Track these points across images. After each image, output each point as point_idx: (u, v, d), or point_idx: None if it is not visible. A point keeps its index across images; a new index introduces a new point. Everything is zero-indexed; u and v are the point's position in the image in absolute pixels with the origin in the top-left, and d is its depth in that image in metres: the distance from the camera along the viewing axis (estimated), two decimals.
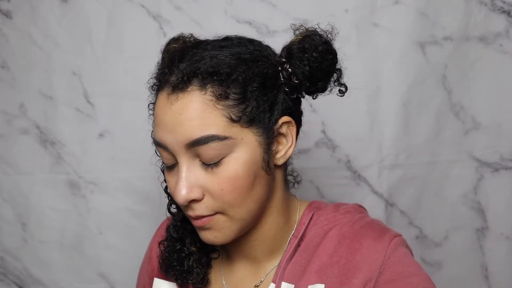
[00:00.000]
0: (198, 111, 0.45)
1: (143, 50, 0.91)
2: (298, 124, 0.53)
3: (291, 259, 0.52)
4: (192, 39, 0.53)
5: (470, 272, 0.89)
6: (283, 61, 0.49)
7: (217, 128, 0.45)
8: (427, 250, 0.90)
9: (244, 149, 0.47)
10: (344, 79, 0.88)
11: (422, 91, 0.88)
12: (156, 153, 0.52)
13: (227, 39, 0.51)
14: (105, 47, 0.90)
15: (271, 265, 0.54)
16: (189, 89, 0.46)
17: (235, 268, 0.56)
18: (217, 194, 0.47)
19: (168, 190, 0.53)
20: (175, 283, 0.57)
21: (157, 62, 0.54)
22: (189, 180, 0.46)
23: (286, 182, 0.55)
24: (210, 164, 0.46)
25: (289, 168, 0.57)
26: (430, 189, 0.89)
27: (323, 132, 0.89)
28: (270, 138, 0.48)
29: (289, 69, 0.48)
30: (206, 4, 0.89)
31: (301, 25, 0.50)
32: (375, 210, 0.88)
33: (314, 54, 0.48)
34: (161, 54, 0.54)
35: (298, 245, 0.52)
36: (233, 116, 0.46)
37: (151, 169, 0.91)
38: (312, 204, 0.56)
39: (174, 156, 0.47)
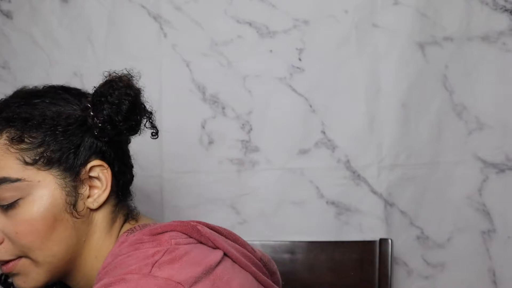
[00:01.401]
0: None
1: (143, 51, 0.89)
2: (119, 168, 0.51)
3: None
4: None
5: (477, 276, 0.87)
6: (88, 106, 0.49)
7: (9, 171, 0.46)
8: (429, 251, 0.87)
9: (42, 191, 0.46)
10: (344, 79, 0.88)
11: (422, 92, 0.86)
12: None
13: (46, 87, 0.52)
14: (106, 48, 0.89)
15: None
16: None
17: None
18: (13, 237, 0.46)
19: None
20: None
21: None
22: None
23: (114, 222, 0.51)
24: (7, 207, 0.46)
25: (131, 203, 0.54)
26: (432, 189, 0.87)
27: (323, 132, 0.88)
28: (76, 181, 0.48)
29: (91, 113, 0.48)
30: (206, 4, 0.88)
31: (114, 72, 0.50)
32: (374, 210, 0.87)
33: (109, 98, 0.48)
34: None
35: None
36: (27, 159, 0.46)
37: (152, 169, 0.90)
38: (120, 238, 0.50)
39: None
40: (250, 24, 0.88)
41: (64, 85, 0.52)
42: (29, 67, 0.90)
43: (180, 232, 0.48)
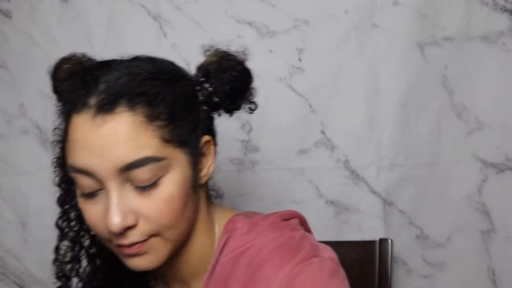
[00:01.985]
0: (130, 133, 0.42)
1: (143, 50, 0.87)
2: (215, 143, 0.52)
3: None
4: (85, 58, 0.50)
5: (476, 275, 0.86)
6: (202, 80, 0.49)
7: (152, 150, 0.43)
8: (428, 250, 0.87)
9: (177, 169, 0.45)
10: (344, 79, 0.87)
11: (422, 92, 0.86)
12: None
13: (137, 59, 0.48)
14: (105, 48, 0.88)
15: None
16: (117, 110, 0.42)
17: None
18: (154, 217, 0.44)
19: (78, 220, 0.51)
20: None
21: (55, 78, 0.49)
22: (122, 206, 0.43)
23: (208, 200, 0.52)
24: (145, 187, 0.43)
25: (210, 182, 0.54)
26: (431, 189, 0.87)
27: (322, 132, 0.87)
28: (196, 157, 0.47)
29: (209, 88, 0.48)
30: (206, 4, 0.88)
31: (211, 46, 0.51)
32: (374, 209, 0.86)
33: (233, 73, 0.48)
34: (50, 75, 0.50)
35: (212, 273, 0.48)
36: (166, 137, 0.44)
37: None
38: (228, 225, 0.51)
39: (98, 183, 0.43)
40: (250, 24, 0.87)
41: (164, 58, 0.50)
42: (27, 66, 0.89)
43: (297, 218, 0.52)
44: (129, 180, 0.43)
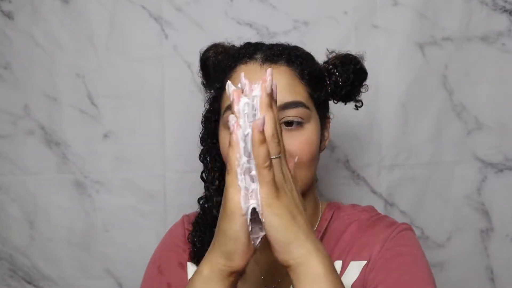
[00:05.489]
0: (289, 81, 0.51)
1: (145, 52, 0.84)
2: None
3: None
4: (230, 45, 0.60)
5: (475, 274, 0.83)
6: (331, 68, 0.56)
7: (303, 98, 0.51)
8: (429, 251, 0.83)
9: (314, 124, 0.52)
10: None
11: (422, 92, 0.82)
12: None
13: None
14: (107, 49, 0.84)
15: None
16: (279, 63, 0.52)
17: (269, 254, 0.54)
18: (298, 154, 0.49)
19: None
20: None
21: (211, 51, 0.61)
22: None
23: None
24: (293, 128, 0.50)
25: None
26: (431, 189, 0.83)
27: None
28: (323, 124, 0.55)
29: (337, 73, 0.55)
30: (207, 5, 0.84)
31: (333, 51, 0.58)
32: None
33: (357, 66, 0.56)
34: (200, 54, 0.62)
35: (321, 238, 0.55)
36: (311, 93, 0.52)
37: (155, 168, 0.85)
38: (331, 204, 0.60)
39: None
40: (250, 25, 0.83)
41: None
42: (31, 68, 0.84)
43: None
44: (281, 120, 0.49)
